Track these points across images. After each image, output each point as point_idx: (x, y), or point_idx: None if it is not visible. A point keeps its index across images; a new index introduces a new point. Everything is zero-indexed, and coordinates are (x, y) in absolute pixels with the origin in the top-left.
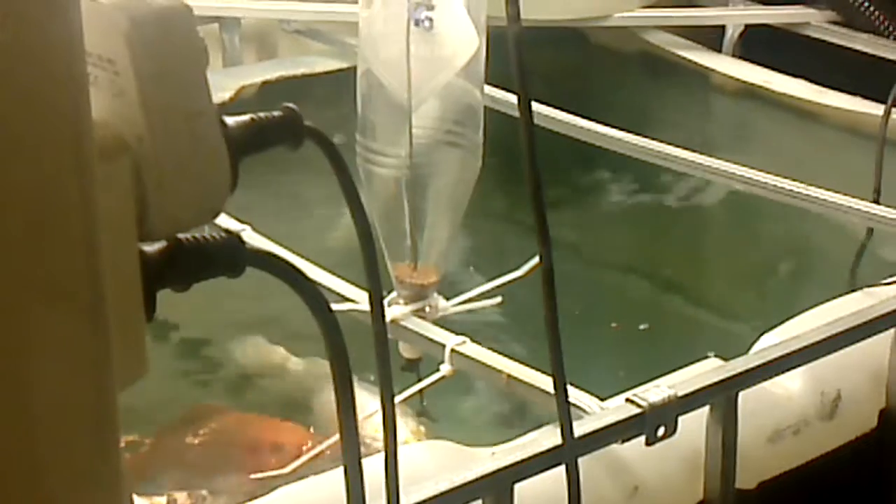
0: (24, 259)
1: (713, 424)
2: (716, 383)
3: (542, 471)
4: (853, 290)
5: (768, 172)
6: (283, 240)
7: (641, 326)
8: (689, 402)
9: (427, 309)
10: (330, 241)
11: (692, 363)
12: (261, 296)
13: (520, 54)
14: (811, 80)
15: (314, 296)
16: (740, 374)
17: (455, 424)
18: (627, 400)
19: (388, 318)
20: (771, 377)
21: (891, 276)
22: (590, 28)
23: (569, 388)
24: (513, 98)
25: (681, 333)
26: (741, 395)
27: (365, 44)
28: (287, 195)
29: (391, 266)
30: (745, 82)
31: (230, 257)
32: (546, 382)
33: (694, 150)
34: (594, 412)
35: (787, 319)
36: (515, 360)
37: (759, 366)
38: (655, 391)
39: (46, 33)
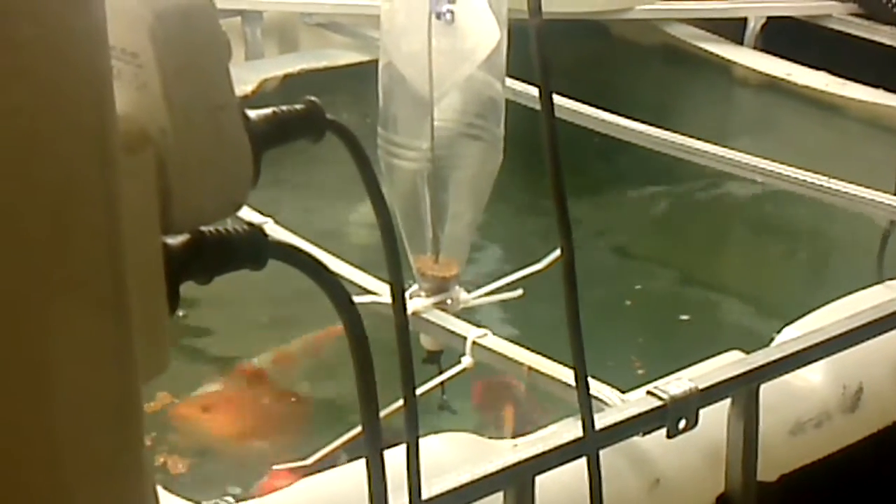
0: (47, 252)
1: (734, 417)
2: (737, 376)
3: (563, 463)
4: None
5: (790, 165)
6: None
7: (682, 317)
8: (710, 394)
9: (448, 301)
10: (351, 234)
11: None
12: None
13: (541, 47)
14: (833, 73)
15: (336, 288)
16: (762, 366)
17: None
18: (649, 392)
19: (409, 311)
20: (792, 370)
21: None
22: (611, 21)
23: (590, 380)
24: (534, 91)
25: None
26: (763, 387)
27: (386, 37)
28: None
29: (412, 258)
30: (766, 75)
31: (253, 250)
32: (567, 375)
33: (716, 143)
34: (615, 405)
35: (809, 312)
36: (537, 352)
37: (780, 358)
38: (677, 384)
39: (70, 27)
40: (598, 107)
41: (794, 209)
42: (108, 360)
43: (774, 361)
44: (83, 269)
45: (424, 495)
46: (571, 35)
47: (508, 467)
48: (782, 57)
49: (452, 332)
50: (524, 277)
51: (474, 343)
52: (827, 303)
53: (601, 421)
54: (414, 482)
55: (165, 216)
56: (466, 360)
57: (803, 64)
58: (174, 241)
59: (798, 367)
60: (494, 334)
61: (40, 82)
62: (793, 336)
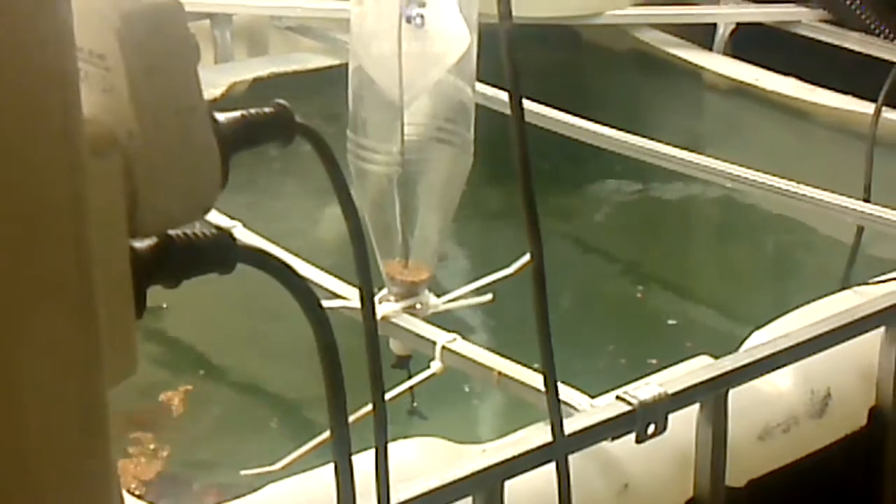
0: (13, 256)
1: (703, 422)
2: (706, 381)
3: (532, 468)
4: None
5: (759, 170)
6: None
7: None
8: (679, 399)
9: (418, 306)
10: (320, 238)
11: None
12: None
13: (511, 51)
14: (802, 79)
15: (305, 293)
16: (730, 371)
17: None
18: (618, 398)
19: (378, 316)
20: (761, 375)
21: (880, 274)
22: (581, 26)
23: (559, 385)
24: (504, 95)
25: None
26: (731, 392)
27: (356, 40)
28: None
29: (382, 263)
30: (736, 80)
31: (221, 254)
32: (537, 380)
33: (685, 148)
34: (584, 409)
35: (777, 318)
36: (506, 357)
37: (749, 364)
38: (646, 389)
39: (37, 29)
40: (568, 111)
41: (760, 213)
42: (75, 363)
43: (743, 366)
44: (50, 272)
45: (393, 500)
46: (542, 40)
47: (477, 472)
48: (751, 63)
49: (422, 337)
50: (493, 282)
51: (444, 348)
52: (795, 308)
53: (570, 426)
54: (382, 487)
55: (133, 219)
56: (436, 365)
57: (772, 70)
58: (142, 244)
59: (766, 373)
60: (464, 338)
61: (6, 85)
62: (761, 341)
